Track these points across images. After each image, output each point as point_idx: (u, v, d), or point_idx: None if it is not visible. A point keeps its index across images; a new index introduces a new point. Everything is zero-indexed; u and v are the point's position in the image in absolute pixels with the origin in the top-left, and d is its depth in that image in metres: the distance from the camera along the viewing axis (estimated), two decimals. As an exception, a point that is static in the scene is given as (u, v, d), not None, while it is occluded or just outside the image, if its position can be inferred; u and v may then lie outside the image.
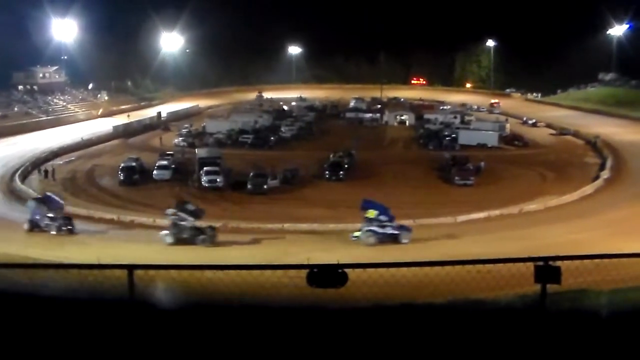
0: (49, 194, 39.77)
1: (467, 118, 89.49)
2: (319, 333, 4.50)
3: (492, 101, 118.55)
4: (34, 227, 35.83)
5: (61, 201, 38.51)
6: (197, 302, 5.31)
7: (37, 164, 56.10)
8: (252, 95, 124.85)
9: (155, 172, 51.19)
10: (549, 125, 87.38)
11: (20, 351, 4.27)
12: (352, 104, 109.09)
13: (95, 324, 4.51)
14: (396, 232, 34.17)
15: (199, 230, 33.98)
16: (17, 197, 45.36)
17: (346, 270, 4.97)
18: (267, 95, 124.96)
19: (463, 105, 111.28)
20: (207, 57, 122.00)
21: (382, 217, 34.15)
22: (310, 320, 4.71)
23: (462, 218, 38.95)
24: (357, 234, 34.12)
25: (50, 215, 36.02)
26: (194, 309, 5.01)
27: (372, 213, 34.03)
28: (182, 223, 33.82)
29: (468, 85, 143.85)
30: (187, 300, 5.17)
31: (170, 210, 34.68)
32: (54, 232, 35.34)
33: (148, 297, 4.95)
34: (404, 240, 33.84)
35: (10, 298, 4.94)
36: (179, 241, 33.34)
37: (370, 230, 34.02)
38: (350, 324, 4.58)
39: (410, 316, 4.79)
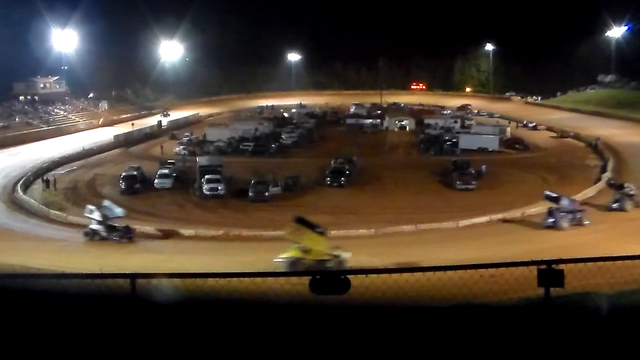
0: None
1: (467, 122, 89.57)
2: (321, 331, 4.47)
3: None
4: None
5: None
6: (198, 301, 5.28)
7: (38, 173, 56.07)
8: (253, 103, 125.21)
9: (156, 180, 51.12)
10: (549, 128, 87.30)
11: (18, 348, 4.22)
12: (352, 110, 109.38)
13: (95, 319, 4.46)
14: None
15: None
16: (19, 207, 45.43)
17: (349, 276, 4.96)
18: (267, 102, 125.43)
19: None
20: (206, 65, 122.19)
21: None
22: (312, 319, 4.68)
23: (464, 222, 38.89)
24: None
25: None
26: (194, 307, 4.98)
27: None
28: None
29: (468, 89, 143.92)
30: (188, 299, 5.13)
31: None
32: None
33: (149, 295, 4.92)
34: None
35: (8, 293, 4.88)
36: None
37: None
38: (352, 325, 4.55)
39: (412, 318, 4.76)
